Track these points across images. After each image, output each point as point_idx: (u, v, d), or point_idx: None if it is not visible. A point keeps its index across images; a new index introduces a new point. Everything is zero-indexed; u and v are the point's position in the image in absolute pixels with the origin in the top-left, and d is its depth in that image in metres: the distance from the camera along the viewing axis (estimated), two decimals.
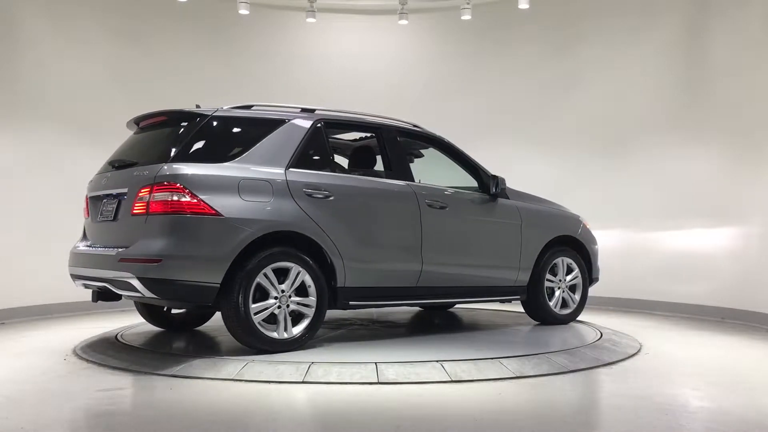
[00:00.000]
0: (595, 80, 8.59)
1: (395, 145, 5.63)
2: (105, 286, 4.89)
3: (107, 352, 5.06)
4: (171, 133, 4.97)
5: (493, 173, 5.97)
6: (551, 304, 6.27)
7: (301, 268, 4.84)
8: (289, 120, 5.18)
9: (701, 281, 7.53)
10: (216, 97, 6.89)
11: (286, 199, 4.85)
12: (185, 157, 4.71)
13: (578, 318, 6.53)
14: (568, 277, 6.40)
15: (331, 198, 5.04)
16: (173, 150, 4.73)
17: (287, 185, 4.88)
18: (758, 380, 4.59)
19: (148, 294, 4.58)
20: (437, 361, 4.53)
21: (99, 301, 5.24)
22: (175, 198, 4.52)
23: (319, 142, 5.28)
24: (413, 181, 5.60)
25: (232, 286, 4.62)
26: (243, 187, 4.73)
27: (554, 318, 6.28)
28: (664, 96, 8.03)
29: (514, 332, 5.99)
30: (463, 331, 6.17)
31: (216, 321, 5.70)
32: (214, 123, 4.97)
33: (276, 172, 4.89)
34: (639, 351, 5.35)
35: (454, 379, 4.26)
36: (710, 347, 5.78)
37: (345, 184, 5.21)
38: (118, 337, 5.60)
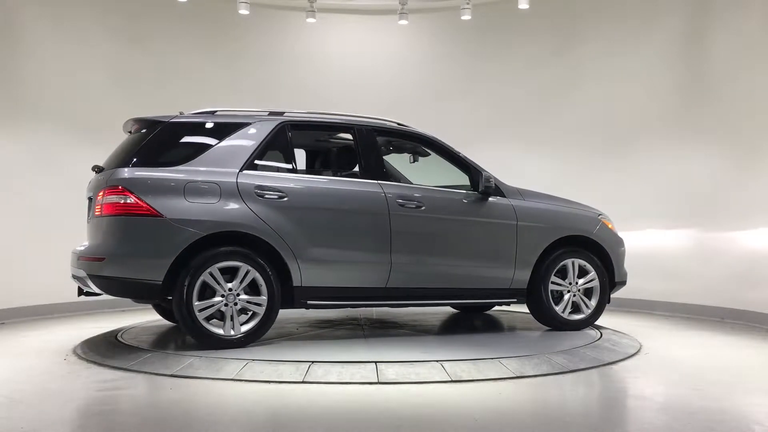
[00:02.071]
0: (595, 80, 8.58)
1: (369, 145, 5.59)
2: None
3: (107, 352, 5.08)
4: (134, 140, 5.28)
5: (485, 171, 5.76)
6: (558, 308, 5.88)
7: (250, 268, 4.97)
8: (250, 124, 5.33)
9: (701, 281, 7.52)
10: (216, 97, 6.90)
11: (235, 201, 5.01)
12: (140, 162, 5.02)
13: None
14: (581, 281, 5.98)
15: (285, 199, 5.12)
16: (129, 156, 5.08)
17: (237, 187, 5.03)
18: (758, 380, 4.59)
19: (97, 290, 5.02)
20: (437, 361, 4.53)
21: (81, 296, 5.52)
22: (119, 200, 4.87)
23: (282, 144, 5.42)
24: (387, 180, 5.57)
25: (176, 284, 4.83)
26: (189, 190, 4.94)
27: (562, 323, 5.91)
28: (664, 96, 8.03)
29: (516, 333, 5.99)
30: (463, 332, 6.18)
31: None
32: (171, 129, 5.23)
33: (227, 174, 5.05)
34: (639, 351, 5.35)
35: (454, 379, 4.26)
36: (710, 347, 5.78)
37: (301, 185, 5.27)
38: (119, 336, 5.60)
